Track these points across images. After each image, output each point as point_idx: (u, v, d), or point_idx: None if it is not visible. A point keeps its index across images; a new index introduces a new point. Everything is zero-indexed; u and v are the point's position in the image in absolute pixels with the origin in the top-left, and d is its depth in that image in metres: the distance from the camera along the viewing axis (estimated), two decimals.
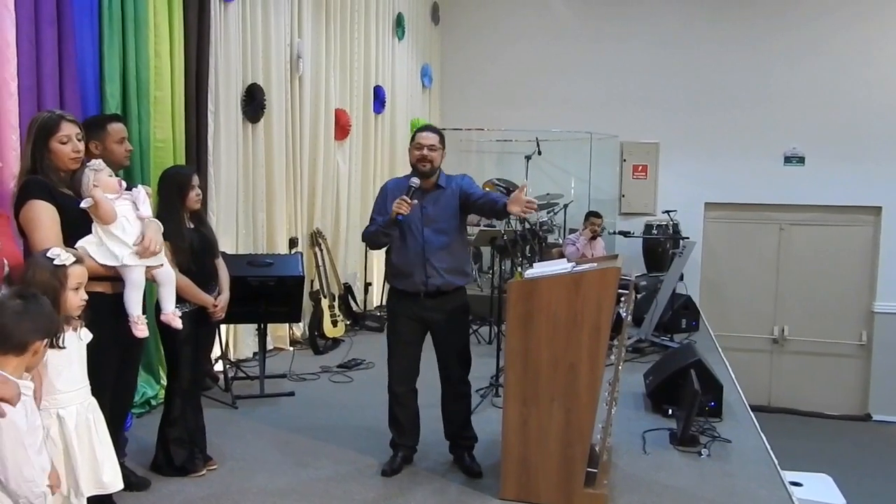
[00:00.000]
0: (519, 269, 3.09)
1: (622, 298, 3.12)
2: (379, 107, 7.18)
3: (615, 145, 8.92)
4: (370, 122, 7.05)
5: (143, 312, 2.67)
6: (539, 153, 7.75)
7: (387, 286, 3.38)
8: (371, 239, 3.27)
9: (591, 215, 6.74)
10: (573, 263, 3.17)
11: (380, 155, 7.33)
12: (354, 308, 6.34)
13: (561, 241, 7.70)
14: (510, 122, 8.73)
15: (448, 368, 3.28)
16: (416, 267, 3.19)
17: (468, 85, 9.26)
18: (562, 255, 6.57)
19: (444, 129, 7.64)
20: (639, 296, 6.78)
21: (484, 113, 8.96)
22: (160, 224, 2.74)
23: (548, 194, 7.98)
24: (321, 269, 5.78)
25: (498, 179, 6.70)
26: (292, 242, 5.56)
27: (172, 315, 2.89)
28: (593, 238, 6.65)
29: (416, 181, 3.14)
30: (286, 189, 5.53)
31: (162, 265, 2.75)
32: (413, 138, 3.24)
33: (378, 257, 7.33)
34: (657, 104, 8.77)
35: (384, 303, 7.21)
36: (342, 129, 6.42)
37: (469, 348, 3.32)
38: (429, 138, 3.20)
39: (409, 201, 3.07)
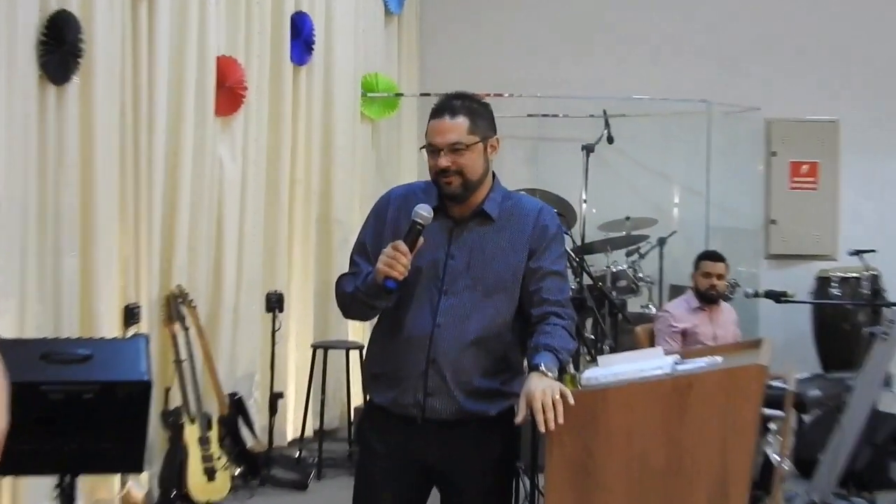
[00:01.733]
0: (570, 368, 3.10)
1: (771, 425, 3.12)
2: (301, 52, 7.27)
3: (756, 126, 9.04)
4: (284, 83, 7.13)
5: None
6: (610, 140, 7.83)
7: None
8: (344, 304, 3.31)
9: (709, 259, 6.78)
10: (675, 356, 3.18)
11: (303, 142, 7.40)
12: (251, 445, 6.31)
13: (652, 311, 7.70)
14: (554, 82, 8.84)
15: None
16: (410, 367, 3.20)
17: (471, 11, 9.40)
18: (653, 339, 6.58)
19: (427, 94, 7.66)
20: (806, 419, 6.77)
21: (501, 65, 9.08)
22: None
23: (627, 220, 8.04)
24: (185, 366, 5.76)
25: (527, 193, 6.74)
26: (129, 314, 5.54)
27: None
28: (712, 303, 6.67)
29: (425, 212, 3.13)
30: (120, 210, 5.54)
31: None
32: (427, 133, 3.26)
33: (300, 341, 7.31)
34: (834, 53, 8.93)
35: (313, 431, 7.18)
36: (230, 95, 6.49)
37: None
38: (447, 128, 3.18)
39: (407, 253, 3.07)
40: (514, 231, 3.24)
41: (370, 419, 3.39)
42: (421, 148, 3.28)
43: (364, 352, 3.52)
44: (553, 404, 2.85)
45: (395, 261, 3.03)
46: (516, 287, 3.22)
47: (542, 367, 2.98)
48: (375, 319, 3.37)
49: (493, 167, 3.32)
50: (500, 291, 3.19)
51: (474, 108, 3.25)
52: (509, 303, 3.22)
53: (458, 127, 3.18)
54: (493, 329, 3.20)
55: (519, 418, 2.93)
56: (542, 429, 2.87)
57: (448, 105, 3.23)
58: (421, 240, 3.10)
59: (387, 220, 3.28)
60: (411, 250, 3.07)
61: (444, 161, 3.15)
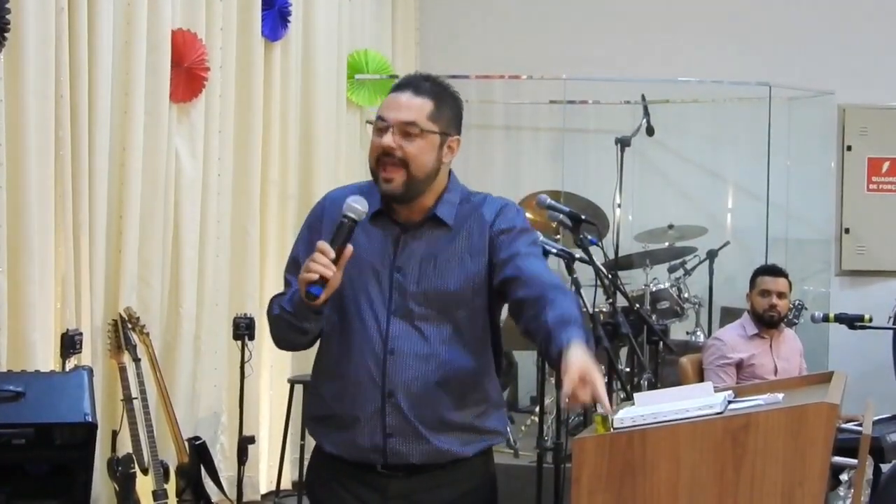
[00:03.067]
0: (597, 407, 3.13)
1: (843, 476, 3.14)
2: (275, 25, 7.30)
3: (827, 114, 9.03)
4: (254, 62, 7.17)
5: None
6: (649, 131, 7.84)
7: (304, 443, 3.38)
8: (274, 330, 3.34)
9: (768, 274, 6.79)
10: (727, 393, 3.20)
11: (278, 135, 7.44)
12: (216, 499, 6.30)
13: (700, 338, 7.69)
14: (582, 61, 8.85)
15: None
16: (363, 405, 3.23)
17: None
18: (701, 372, 6.58)
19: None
20: (884, 469, 6.76)
21: (518, 41, 9.09)
22: None
23: (671, 229, 8.05)
24: (136, 405, 5.76)
25: (550, 196, 6.76)
26: (69, 343, 5.55)
27: None
28: (773, 328, 6.68)
29: (358, 205, 3.12)
30: (56, 217, 5.55)
31: None
32: (380, 107, 3.31)
33: (274, 375, 7.32)
34: None
35: (302, 477, 7.16)
36: (189, 77, 6.52)
37: None
38: (405, 104, 3.22)
39: (330, 251, 3.03)
40: (472, 236, 3.26)
41: (321, 472, 3.42)
42: (368, 122, 3.29)
43: (304, 394, 3.50)
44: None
45: (316, 262, 2.99)
46: (479, 301, 3.24)
47: (578, 341, 2.87)
48: (315, 356, 3.40)
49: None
50: (460, 308, 3.22)
51: (444, 96, 3.27)
52: (474, 320, 3.26)
53: (418, 106, 3.19)
54: (458, 353, 3.23)
55: (567, 388, 2.80)
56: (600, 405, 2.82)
57: (414, 81, 3.26)
58: (349, 248, 3.05)
59: (322, 230, 3.27)
60: (340, 253, 3.03)
61: (388, 139, 3.15)
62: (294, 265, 3.30)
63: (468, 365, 3.26)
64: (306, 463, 7.13)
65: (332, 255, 3.01)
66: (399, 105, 3.19)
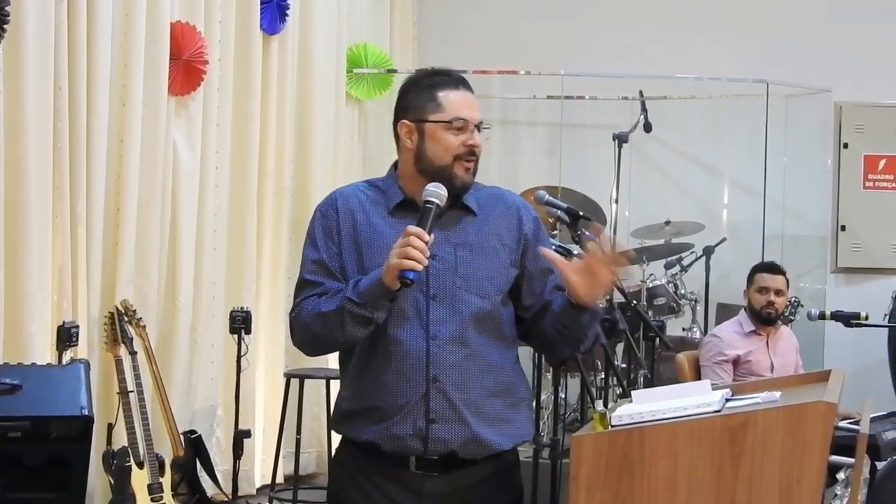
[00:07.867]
0: (595, 404, 3.12)
1: (840, 474, 3.14)
2: (273, 19, 7.29)
3: (824, 111, 9.04)
4: (253, 55, 7.17)
5: None
6: (647, 127, 7.85)
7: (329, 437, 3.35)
8: (322, 330, 3.26)
9: (765, 272, 6.80)
10: (725, 391, 3.20)
11: (275, 128, 7.44)
12: (212, 493, 6.30)
13: (697, 335, 7.70)
14: (579, 57, 8.85)
15: None
16: (406, 392, 3.23)
17: None
18: (698, 370, 6.58)
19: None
20: (881, 467, 6.77)
21: (515, 36, 9.09)
22: None
23: (667, 225, 8.05)
24: (132, 398, 5.76)
25: (548, 192, 6.74)
26: (65, 335, 5.55)
27: None
28: (770, 325, 6.69)
29: (440, 190, 3.20)
30: (54, 209, 5.55)
31: None
32: (430, 94, 3.30)
33: (270, 369, 7.31)
34: None
35: (298, 471, 7.15)
36: (187, 70, 6.51)
37: None
38: (475, 105, 3.33)
39: (424, 234, 3.09)
40: (501, 224, 3.34)
41: (347, 465, 3.38)
42: (421, 100, 3.28)
43: (337, 394, 3.47)
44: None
45: (412, 246, 3.04)
46: (508, 285, 3.32)
47: None
48: (344, 354, 3.39)
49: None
50: (495, 294, 3.28)
51: None
52: (506, 309, 3.32)
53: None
54: (494, 338, 3.28)
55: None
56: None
57: (462, 78, 3.35)
58: (430, 237, 3.11)
59: (341, 228, 3.34)
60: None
61: (479, 139, 3.28)
62: (319, 267, 3.31)
63: (503, 356, 3.32)
64: (302, 457, 7.19)
65: (428, 238, 3.08)
66: (475, 105, 3.31)
